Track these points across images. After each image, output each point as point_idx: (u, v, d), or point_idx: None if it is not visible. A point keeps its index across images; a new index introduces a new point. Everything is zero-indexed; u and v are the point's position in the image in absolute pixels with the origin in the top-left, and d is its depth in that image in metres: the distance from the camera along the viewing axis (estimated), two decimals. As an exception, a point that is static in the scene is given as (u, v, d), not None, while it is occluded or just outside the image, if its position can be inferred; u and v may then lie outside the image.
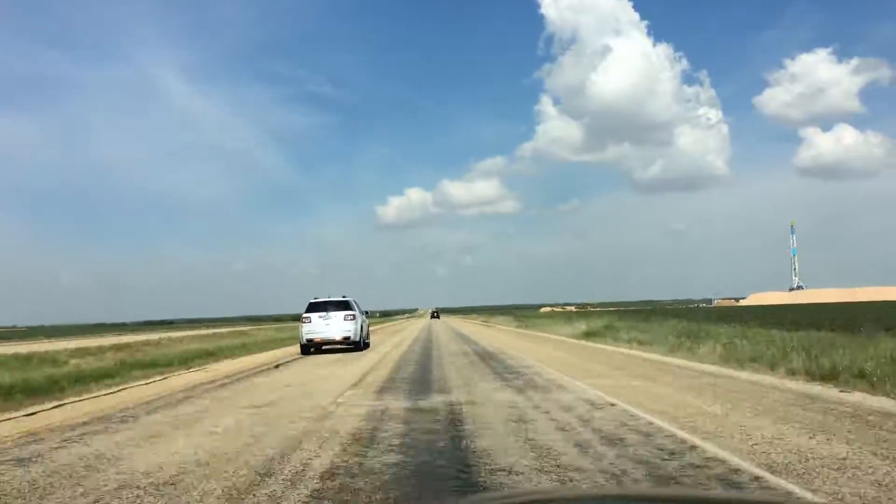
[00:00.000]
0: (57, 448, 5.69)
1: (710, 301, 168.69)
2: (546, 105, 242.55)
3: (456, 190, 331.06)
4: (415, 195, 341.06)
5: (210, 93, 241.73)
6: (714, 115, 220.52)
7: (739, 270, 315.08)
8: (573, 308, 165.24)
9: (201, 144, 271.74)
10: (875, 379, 7.53)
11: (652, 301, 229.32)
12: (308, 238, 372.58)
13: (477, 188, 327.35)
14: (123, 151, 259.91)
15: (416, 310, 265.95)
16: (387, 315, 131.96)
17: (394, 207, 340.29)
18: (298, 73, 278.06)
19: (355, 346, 18.66)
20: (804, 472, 4.11)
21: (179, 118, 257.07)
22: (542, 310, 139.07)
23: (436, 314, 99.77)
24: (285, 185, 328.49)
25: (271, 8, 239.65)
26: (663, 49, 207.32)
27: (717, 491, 3.75)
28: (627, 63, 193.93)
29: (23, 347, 25.39)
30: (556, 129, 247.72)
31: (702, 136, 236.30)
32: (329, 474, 4.38)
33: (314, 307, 18.80)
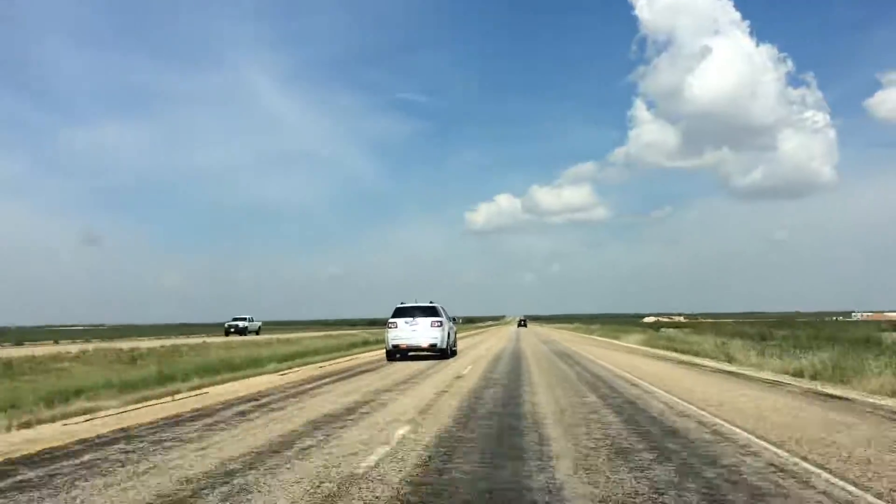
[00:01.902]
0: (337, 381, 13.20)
1: (849, 314, 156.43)
2: (640, 109, 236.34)
3: (545, 196, 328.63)
4: (504, 201, 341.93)
5: (304, 100, 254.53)
6: (821, 118, 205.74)
7: (845, 282, 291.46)
8: (681, 318, 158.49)
9: (295, 151, 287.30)
10: None
11: (756, 313, 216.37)
12: (397, 244, 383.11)
13: (567, 194, 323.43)
14: (222, 158, 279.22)
15: (504, 317, 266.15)
16: (470, 321, 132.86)
17: (483, 213, 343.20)
18: (390, 80, 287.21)
19: (441, 353, 19.01)
20: None
21: (274, 125, 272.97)
22: (646, 319, 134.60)
23: (523, 322, 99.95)
24: (376, 192, 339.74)
25: (364, 16, 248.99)
26: (767, 50, 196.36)
27: None
28: (728, 64, 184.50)
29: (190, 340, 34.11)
30: (649, 133, 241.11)
31: (807, 140, 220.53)
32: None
33: (401, 312, 19.34)
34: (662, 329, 43.86)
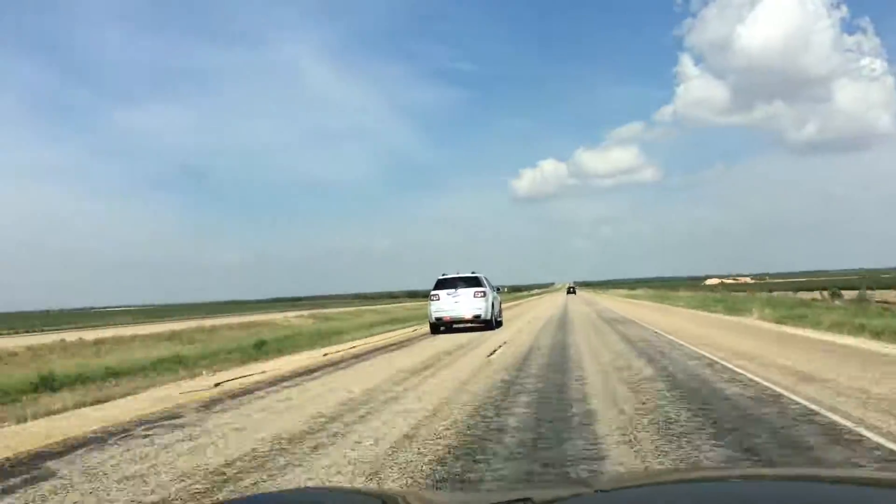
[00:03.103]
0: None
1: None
2: (686, 65, 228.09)
3: (591, 159, 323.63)
4: (549, 167, 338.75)
5: (348, 74, 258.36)
6: (879, 65, 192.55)
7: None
8: (747, 279, 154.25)
9: (341, 125, 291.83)
10: None
11: (820, 272, 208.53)
12: (442, 213, 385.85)
13: (613, 157, 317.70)
14: (269, 135, 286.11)
15: (553, 284, 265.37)
16: (516, 290, 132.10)
17: (528, 180, 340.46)
18: (434, 49, 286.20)
19: (486, 324, 19.08)
20: None
21: (320, 100, 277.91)
22: (708, 282, 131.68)
23: (572, 289, 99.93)
24: (420, 162, 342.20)
25: None
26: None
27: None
28: (779, 12, 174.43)
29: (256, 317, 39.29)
30: (697, 89, 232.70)
31: (864, 88, 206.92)
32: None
33: (443, 284, 19.48)
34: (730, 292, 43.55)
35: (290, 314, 41.12)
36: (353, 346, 16.28)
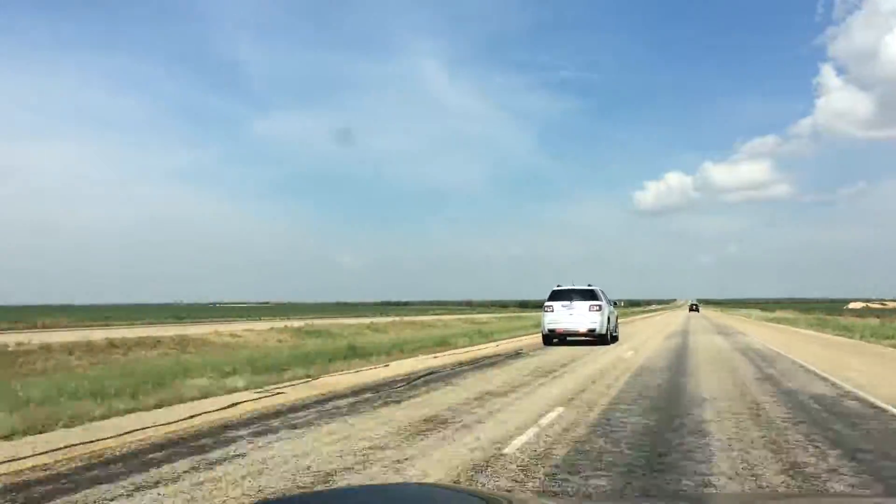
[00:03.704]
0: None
1: None
2: (828, 76, 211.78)
3: (719, 173, 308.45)
4: (674, 179, 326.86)
5: (468, 83, 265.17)
6: None
7: None
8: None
9: (460, 134, 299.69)
10: None
11: None
12: (560, 224, 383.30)
13: (743, 171, 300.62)
14: (394, 142, 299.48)
15: (674, 300, 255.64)
16: (635, 304, 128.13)
17: (651, 193, 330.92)
18: (554, 59, 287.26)
19: (601, 339, 18.84)
20: None
21: (440, 109, 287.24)
22: (851, 305, 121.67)
23: (695, 307, 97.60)
24: (540, 172, 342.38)
25: None
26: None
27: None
28: None
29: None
30: (839, 102, 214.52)
31: None
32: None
33: (557, 295, 19.43)
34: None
35: (445, 317, 47.11)
36: (518, 340, 21.99)
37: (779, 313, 56.70)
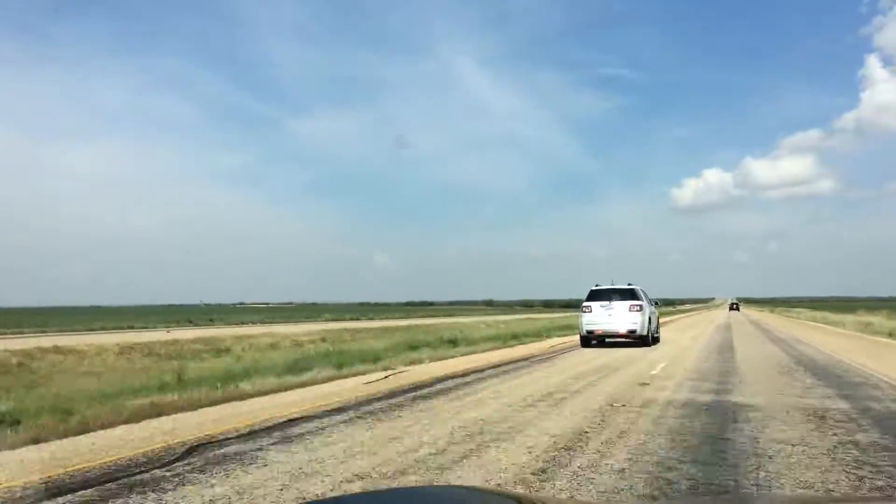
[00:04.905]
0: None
1: None
2: (874, 68, 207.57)
3: (760, 169, 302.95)
4: (713, 176, 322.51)
5: (505, 82, 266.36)
6: None
7: None
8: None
9: (497, 133, 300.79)
10: None
11: None
12: (599, 222, 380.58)
13: (785, 167, 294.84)
14: (428, 142, 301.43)
15: (713, 299, 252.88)
16: (669, 304, 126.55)
17: (690, 190, 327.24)
18: (593, 56, 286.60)
19: (642, 340, 18.74)
20: None
21: (477, 108, 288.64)
22: None
23: (735, 305, 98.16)
24: (577, 170, 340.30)
25: None
26: None
27: None
28: None
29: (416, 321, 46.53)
30: (886, 94, 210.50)
31: None
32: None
33: (595, 295, 19.30)
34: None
35: (485, 318, 50.27)
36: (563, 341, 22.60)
37: (863, 316, 36.74)
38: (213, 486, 4.61)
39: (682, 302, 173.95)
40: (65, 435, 6.38)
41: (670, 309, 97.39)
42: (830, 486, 4.51)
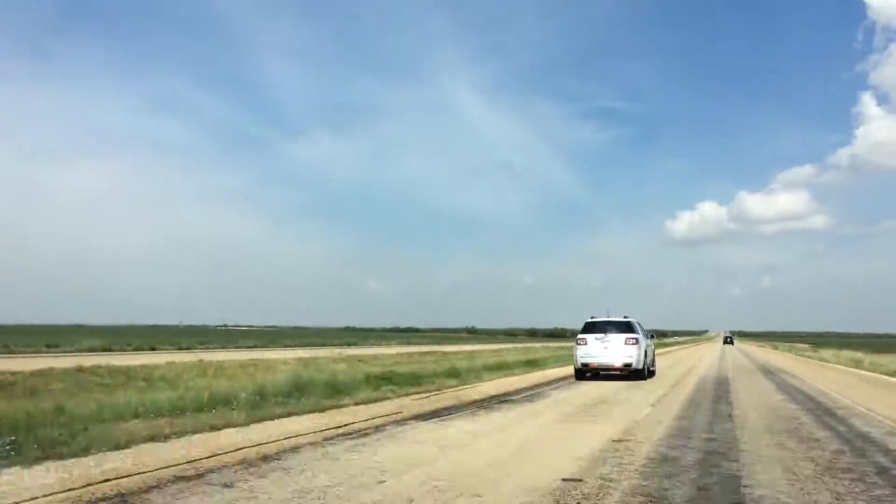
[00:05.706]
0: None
1: None
2: (868, 105, 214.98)
3: (755, 204, 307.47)
4: (708, 209, 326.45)
5: (503, 111, 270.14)
6: None
7: None
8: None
9: (493, 161, 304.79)
10: None
11: None
12: (592, 253, 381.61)
13: (780, 202, 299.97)
14: (424, 169, 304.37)
15: (706, 332, 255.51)
16: (662, 335, 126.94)
17: (684, 222, 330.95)
18: (589, 88, 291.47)
19: (637, 374, 18.55)
20: None
21: (473, 137, 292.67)
22: None
23: (729, 339, 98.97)
24: (572, 200, 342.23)
25: (562, 25, 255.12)
26: None
27: None
28: None
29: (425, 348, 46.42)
30: (880, 131, 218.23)
31: None
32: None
33: (591, 328, 19.12)
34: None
35: (492, 346, 51.94)
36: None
37: (839, 351, 36.00)
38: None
39: (675, 333, 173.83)
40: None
41: (657, 341, 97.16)
42: None
